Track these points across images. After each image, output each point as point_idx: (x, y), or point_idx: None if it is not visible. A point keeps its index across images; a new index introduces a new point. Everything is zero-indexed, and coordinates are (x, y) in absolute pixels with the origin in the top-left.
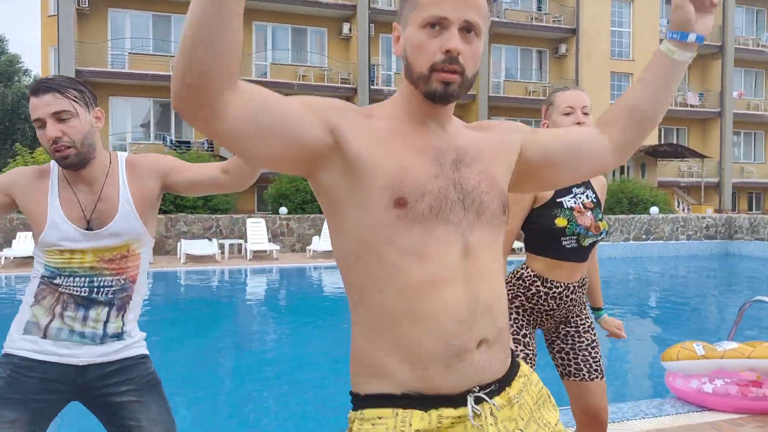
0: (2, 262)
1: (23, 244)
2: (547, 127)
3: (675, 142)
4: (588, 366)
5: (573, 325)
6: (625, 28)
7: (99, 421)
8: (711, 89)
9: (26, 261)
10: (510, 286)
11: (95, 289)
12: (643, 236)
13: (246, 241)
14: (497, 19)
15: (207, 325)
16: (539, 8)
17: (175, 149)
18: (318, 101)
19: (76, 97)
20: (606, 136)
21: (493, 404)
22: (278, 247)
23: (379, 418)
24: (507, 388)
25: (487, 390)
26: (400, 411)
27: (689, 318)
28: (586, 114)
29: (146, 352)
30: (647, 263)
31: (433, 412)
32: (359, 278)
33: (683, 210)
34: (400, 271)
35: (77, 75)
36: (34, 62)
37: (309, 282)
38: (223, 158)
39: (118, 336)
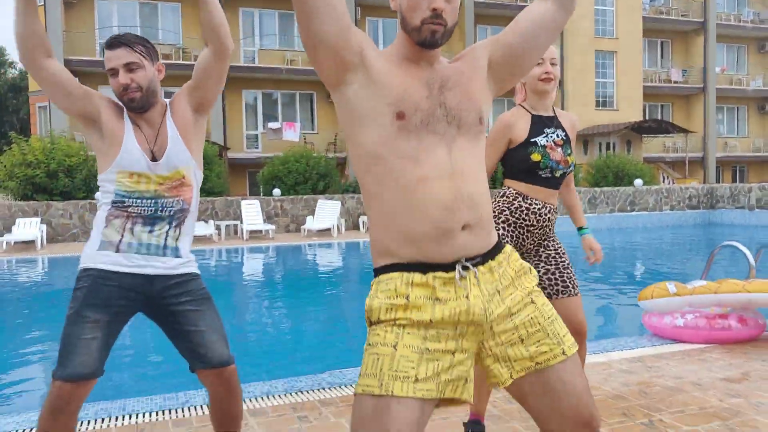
0: (4, 247)
1: (23, 229)
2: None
3: (659, 118)
4: (572, 282)
5: (552, 248)
6: (609, 7)
7: (160, 327)
8: (694, 65)
9: (27, 246)
10: (495, 203)
11: (159, 209)
12: (628, 207)
13: (242, 222)
14: (482, 0)
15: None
16: None
17: None
18: (353, 29)
19: (142, 52)
20: (547, 1)
21: (476, 271)
22: (274, 227)
23: (390, 279)
24: (490, 261)
25: (473, 261)
26: (405, 273)
27: (669, 274)
28: (553, 64)
29: (198, 271)
30: (632, 233)
31: (429, 274)
32: (370, 182)
33: (668, 184)
34: (399, 173)
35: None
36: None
37: (305, 259)
38: (214, 143)
39: (175, 251)
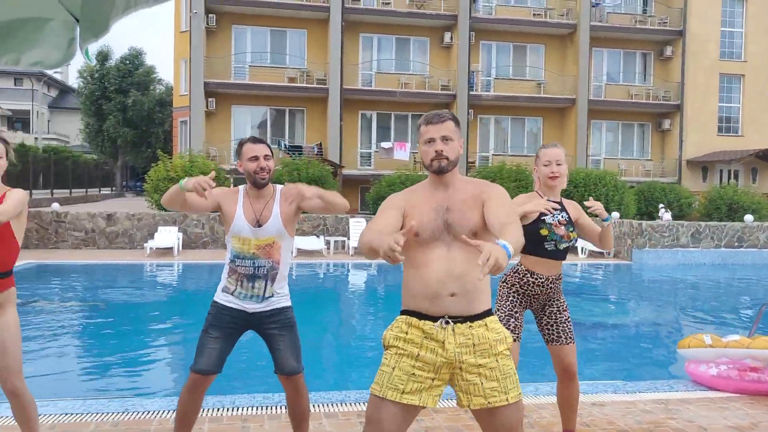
0: (147, 251)
1: (163, 236)
2: (536, 172)
3: None
4: (565, 334)
5: (555, 307)
6: (737, 28)
7: (266, 343)
8: None
9: (166, 252)
10: (510, 277)
11: (256, 269)
12: (736, 244)
13: (348, 239)
14: (599, 24)
15: (316, 307)
16: (644, 10)
17: (288, 153)
18: (395, 200)
19: (271, 150)
20: (497, 231)
21: (453, 326)
22: None
23: (399, 320)
24: (469, 322)
25: (454, 319)
26: (408, 317)
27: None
28: (559, 165)
29: (288, 304)
30: (738, 270)
31: (422, 321)
32: (405, 264)
33: None
34: (414, 259)
35: (204, 86)
36: (165, 73)
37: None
38: (331, 162)
39: (271, 296)
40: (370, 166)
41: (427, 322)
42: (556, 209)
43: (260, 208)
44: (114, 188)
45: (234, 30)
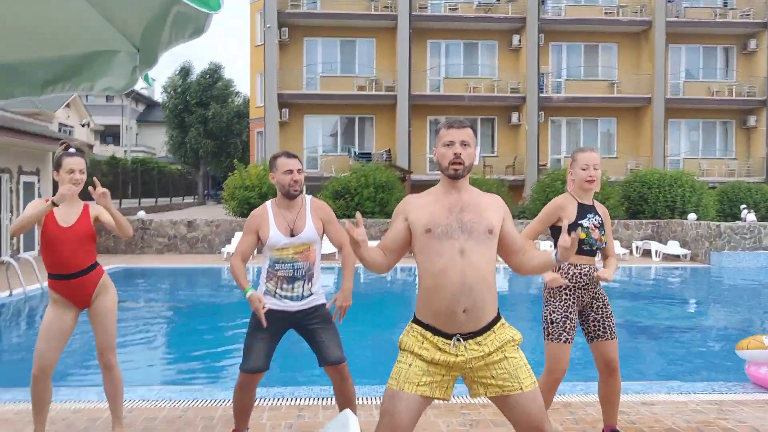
0: (225, 255)
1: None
2: (571, 174)
3: None
4: (610, 329)
5: (601, 301)
6: None
7: (305, 341)
8: None
9: None
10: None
11: (295, 271)
12: None
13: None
14: (676, 19)
15: (368, 307)
16: (725, 3)
17: (357, 159)
18: (397, 212)
19: (301, 164)
20: (518, 257)
21: (465, 343)
22: None
23: (417, 329)
24: (478, 337)
25: (465, 336)
26: (424, 329)
27: None
28: (596, 169)
29: (324, 301)
30: None
31: (437, 337)
32: (419, 268)
33: None
34: (430, 264)
35: (278, 98)
36: (243, 86)
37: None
38: (399, 168)
39: (309, 294)
40: (438, 171)
41: (441, 338)
42: (589, 212)
43: (293, 218)
44: (196, 196)
45: (306, 42)
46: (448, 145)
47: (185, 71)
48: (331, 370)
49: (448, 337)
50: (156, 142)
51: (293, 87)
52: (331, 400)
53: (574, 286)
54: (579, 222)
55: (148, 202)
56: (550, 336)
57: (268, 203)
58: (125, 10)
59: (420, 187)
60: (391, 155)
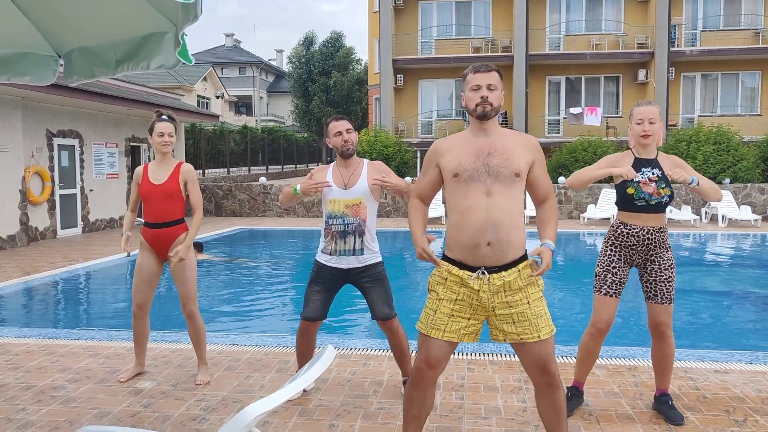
0: None
1: None
2: (630, 130)
3: None
4: (662, 293)
5: (657, 263)
6: None
7: (362, 294)
8: None
9: None
10: (607, 232)
11: (346, 226)
12: None
13: (525, 208)
14: None
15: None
16: None
17: None
18: (427, 160)
19: (351, 123)
20: (538, 207)
21: (488, 276)
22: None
23: (443, 264)
24: (502, 272)
25: (490, 270)
26: (449, 265)
27: None
28: (652, 123)
29: (379, 260)
30: None
31: (462, 271)
32: (448, 208)
33: None
34: (456, 204)
35: (393, 63)
36: (362, 52)
37: (583, 247)
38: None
39: (362, 251)
40: (558, 133)
41: (466, 271)
42: (646, 166)
43: (348, 174)
44: (320, 163)
45: (421, 6)
46: (475, 89)
47: (309, 41)
48: (381, 324)
49: (473, 270)
50: (284, 112)
51: (408, 52)
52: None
53: (620, 244)
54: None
55: (275, 168)
56: (594, 287)
57: (332, 164)
58: None
59: None
60: (507, 118)
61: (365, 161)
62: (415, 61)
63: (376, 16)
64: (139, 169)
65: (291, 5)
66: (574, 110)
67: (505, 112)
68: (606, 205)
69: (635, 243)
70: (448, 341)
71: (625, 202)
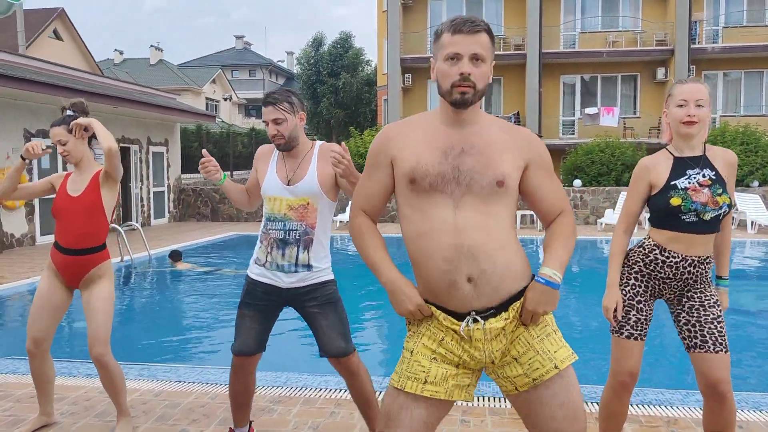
0: (338, 225)
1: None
2: (666, 115)
3: None
4: (713, 338)
5: (698, 299)
6: None
7: (307, 324)
8: None
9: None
10: (632, 253)
11: (287, 233)
12: None
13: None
14: None
15: None
16: None
17: None
18: (375, 153)
19: (286, 108)
20: (544, 220)
21: (483, 323)
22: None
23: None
24: (503, 312)
25: (483, 314)
26: (433, 307)
27: None
28: (699, 106)
29: (330, 278)
30: None
31: (445, 316)
32: (402, 228)
33: None
34: (412, 223)
35: (401, 62)
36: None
37: (600, 256)
38: None
39: (308, 267)
40: (573, 134)
41: (450, 318)
42: (692, 167)
43: (294, 166)
44: None
45: (430, 3)
46: (452, 58)
47: (317, 42)
48: (335, 363)
49: (460, 317)
50: None
51: (417, 51)
52: (378, 394)
53: (649, 273)
54: (672, 183)
55: None
56: (612, 327)
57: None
58: None
59: (552, 152)
60: (519, 118)
61: (317, 146)
62: (424, 60)
63: (385, 16)
64: (61, 174)
65: (303, 10)
66: (589, 110)
67: (518, 112)
68: None
69: (670, 276)
70: (431, 398)
71: (664, 217)
